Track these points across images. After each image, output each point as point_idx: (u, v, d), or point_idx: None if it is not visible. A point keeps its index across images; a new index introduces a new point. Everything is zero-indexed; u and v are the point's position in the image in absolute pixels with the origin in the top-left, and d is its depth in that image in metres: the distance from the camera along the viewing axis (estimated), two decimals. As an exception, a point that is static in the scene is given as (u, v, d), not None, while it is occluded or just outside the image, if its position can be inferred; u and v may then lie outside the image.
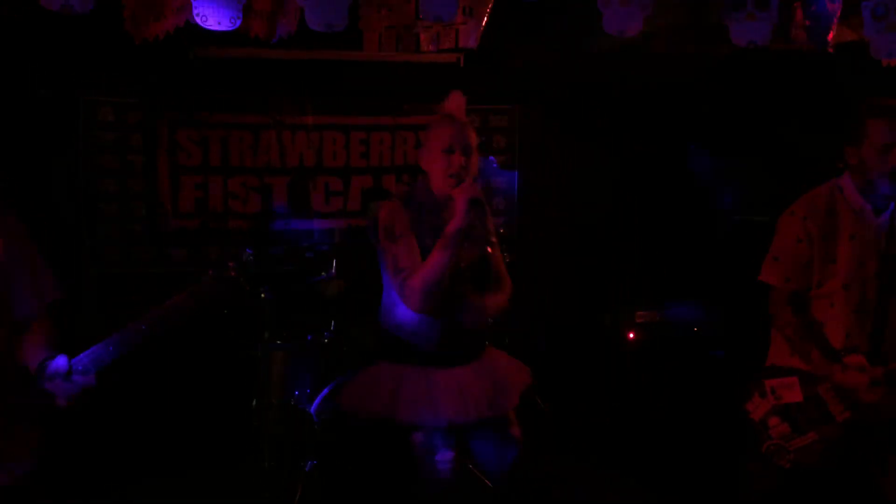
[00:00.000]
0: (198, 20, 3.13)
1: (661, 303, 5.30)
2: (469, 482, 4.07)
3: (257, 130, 5.63)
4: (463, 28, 4.03)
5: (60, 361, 2.12)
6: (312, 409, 4.26)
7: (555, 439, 5.01)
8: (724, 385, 4.43)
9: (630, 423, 5.01)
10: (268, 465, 4.34)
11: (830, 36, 3.44)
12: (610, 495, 4.38)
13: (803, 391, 2.86)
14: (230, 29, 3.18)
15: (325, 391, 4.30)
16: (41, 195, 5.04)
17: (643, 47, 4.56)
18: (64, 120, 5.25)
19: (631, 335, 5.18)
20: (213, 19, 3.12)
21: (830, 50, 3.46)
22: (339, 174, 5.79)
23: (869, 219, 2.91)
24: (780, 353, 3.01)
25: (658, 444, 4.76)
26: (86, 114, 5.33)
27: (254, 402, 4.44)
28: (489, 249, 3.06)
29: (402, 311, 3.01)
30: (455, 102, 3.24)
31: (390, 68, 5.56)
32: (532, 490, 4.21)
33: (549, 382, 5.53)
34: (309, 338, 4.54)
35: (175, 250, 5.51)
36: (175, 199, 5.53)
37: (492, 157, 5.48)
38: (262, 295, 4.45)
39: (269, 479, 4.31)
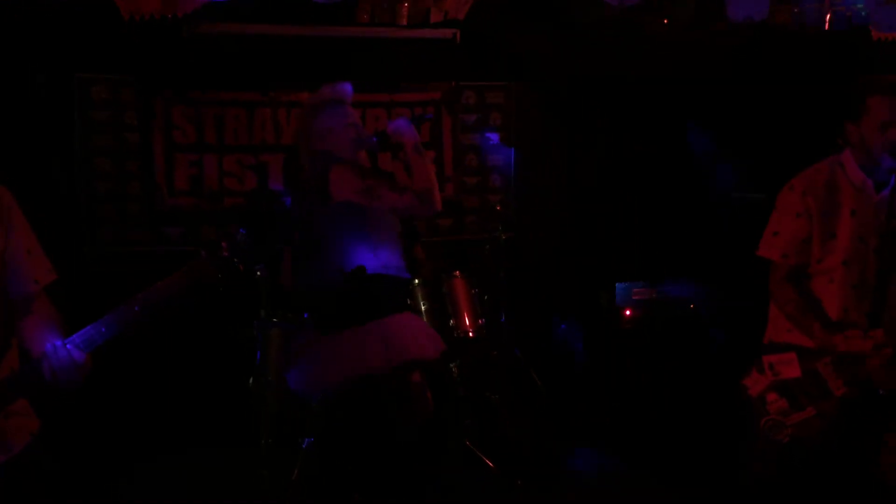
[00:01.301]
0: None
1: (658, 280, 5.30)
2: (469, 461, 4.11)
3: (252, 108, 5.59)
4: (452, 2, 4.01)
5: (52, 342, 2.10)
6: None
7: (550, 418, 5.03)
8: (721, 362, 4.44)
9: (626, 401, 5.02)
10: (265, 443, 4.35)
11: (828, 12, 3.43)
12: (605, 475, 4.40)
13: (801, 367, 2.86)
14: None
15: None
16: (36, 174, 5.01)
17: (640, 25, 4.54)
18: (58, 98, 5.21)
19: (628, 312, 5.18)
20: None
21: (826, 27, 3.44)
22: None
23: (870, 195, 2.90)
24: (777, 330, 3.01)
25: (655, 423, 4.77)
26: (80, 91, 5.29)
27: (251, 381, 4.44)
28: None
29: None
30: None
31: (386, 45, 5.53)
32: (526, 468, 4.24)
33: (546, 360, 5.57)
34: (305, 315, 4.53)
35: (171, 229, 5.49)
36: (170, 178, 5.50)
37: (489, 134, 5.46)
38: (258, 273, 4.44)
39: (267, 457, 4.32)
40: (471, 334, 4.57)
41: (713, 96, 5.53)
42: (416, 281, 4.52)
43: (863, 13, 3.49)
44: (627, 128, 5.85)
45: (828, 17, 3.47)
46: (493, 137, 5.64)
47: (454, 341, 4.49)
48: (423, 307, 4.49)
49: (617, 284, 5.25)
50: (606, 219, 5.90)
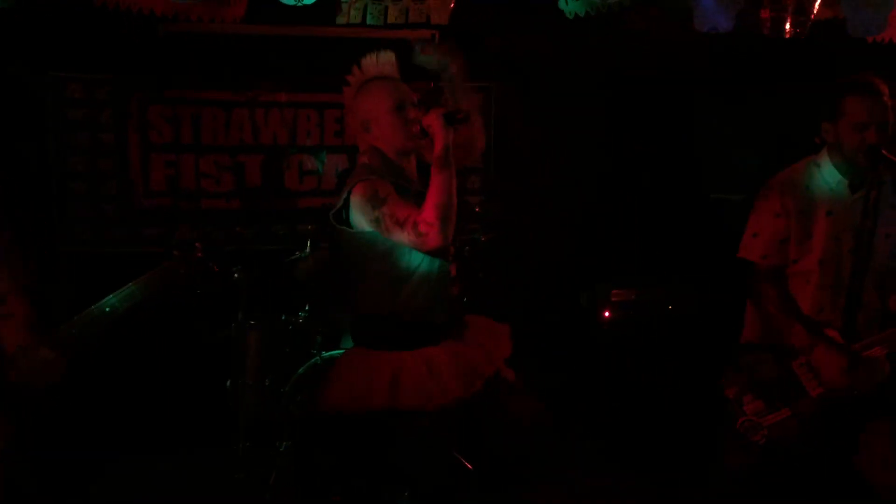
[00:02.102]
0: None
1: (637, 281, 5.32)
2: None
3: (230, 108, 5.55)
4: (434, 4, 3.99)
5: (20, 344, 2.07)
6: (285, 394, 4.24)
7: (531, 416, 5.01)
8: (700, 362, 4.46)
9: (606, 399, 5.02)
10: (242, 446, 4.32)
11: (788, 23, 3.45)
12: (586, 472, 4.40)
13: (777, 367, 2.88)
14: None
15: (296, 376, 4.29)
16: (10, 174, 4.95)
17: (619, 23, 4.54)
18: (32, 97, 5.16)
19: (607, 314, 5.18)
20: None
21: (792, 35, 3.46)
22: (313, 152, 5.73)
23: (845, 195, 2.92)
24: (754, 330, 3.03)
25: (635, 421, 4.78)
26: (54, 90, 5.24)
27: (228, 383, 4.41)
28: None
29: (409, 287, 2.89)
30: (388, 61, 3.24)
31: (365, 45, 5.47)
32: (507, 468, 4.22)
33: (526, 360, 5.56)
34: (283, 318, 4.51)
35: (147, 229, 5.44)
36: (146, 178, 5.45)
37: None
38: (236, 275, 4.41)
39: (244, 460, 4.29)
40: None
41: (695, 96, 5.56)
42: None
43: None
44: (610, 128, 5.86)
45: (789, 26, 3.49)
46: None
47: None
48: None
49: (596, 285, 5.26)
50: (588, 220, 5.90)
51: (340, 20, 3.74)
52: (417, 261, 2.87)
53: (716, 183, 5.51)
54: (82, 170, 5.34)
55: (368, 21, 3.84)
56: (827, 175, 2.94)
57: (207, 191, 5.54)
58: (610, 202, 5.93)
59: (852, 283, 2.81)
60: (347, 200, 2.88)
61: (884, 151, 2.75)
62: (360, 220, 2.88)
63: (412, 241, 2.74)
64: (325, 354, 4.35)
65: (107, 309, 2.12)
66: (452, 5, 3.90)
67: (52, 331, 2.14)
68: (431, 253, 2.81)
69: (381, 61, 3.17)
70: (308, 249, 4.62)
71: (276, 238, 5.54)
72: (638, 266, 5.48)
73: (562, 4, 3.85)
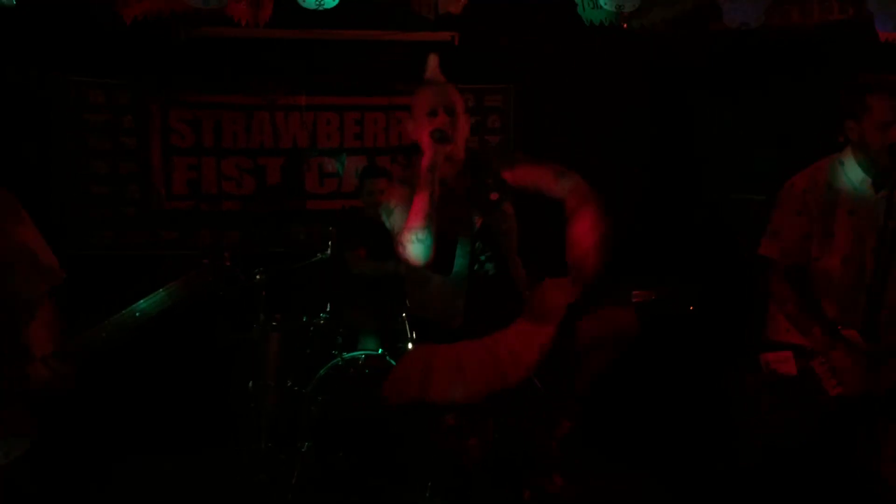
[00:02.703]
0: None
1: (657, 281, 5.29)
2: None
3: (250, 111, 5.60)
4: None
5: (42, 356, 2.10)
6: (307, 395, 4.26)
7: (549, 421, 5.00)
8: (720, 362, 4.43)
9: (623, 401, 5.00)
10: (265, 447, 4.34)
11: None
12: (600, 474, 4.38)
13: (797, 365, 2.86)
14: (216, 7, 3.14)
15: (318, 377, 4.30)
16: (33, 178, 5.01)
17: (638, 25, 4.53)
18: (55, 102, 5.22)
19: (627, 314, 5.16)
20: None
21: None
22: (333, 155, 5.76)
23: (869, 194, 2.89)
24: (776, 330, 3.00)
25: (650, 422, 4.76)
26: (76, 96, 5.30)
27: (250, 384, 4.44)
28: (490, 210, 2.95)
29: (428, 290, 2.94)
30: (431, 65, 3.13)
31: (384, 47, 5.52)
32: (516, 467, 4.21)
33: (545, 363, 5.54)
34: (304, 319, 4.53)
35: (168, 232, 5.49)
36: (168, 181, 5.50)
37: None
38: (257, 277, 4.43)
39: (266, 461, 4.31)
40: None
41: (713, 95, 5.53)
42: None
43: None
44: (628, 128, 5.84)
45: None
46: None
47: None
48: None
49: (616, 284, 5.23)
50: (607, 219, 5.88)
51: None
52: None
53: (737, 183, 5.47)
54: (104, 173, 5.40)
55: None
56: (850, 173, 2.91)
57: (228, 193, 5.59)
58: (629, 201, 5.92)
59: (874, 283, 2.78)
60: None
61: (908, 150, 2.73)
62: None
63: (400, 256, 2.79)
64: (347, 355, 4.36)
65: (137, 314, 2.15)
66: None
67: (78, 335, 2.16)
68: (426, 266, 2.81)
69: (428, 66, 3.14)
70: (329, 251, 4.65)
71: (296, 240, 5.57)
72: (658, 266, 5.45)
73: (580, 10, 3.84)
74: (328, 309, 4.62)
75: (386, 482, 4.06)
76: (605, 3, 3.54)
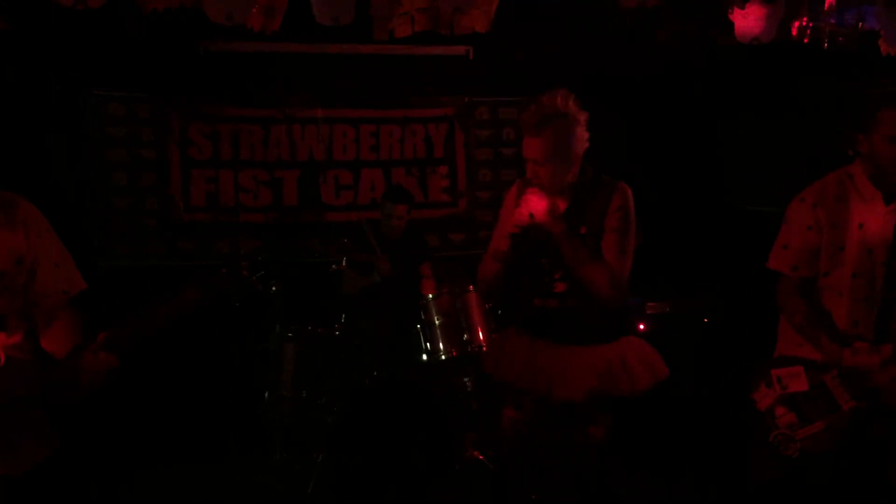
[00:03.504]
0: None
1: (672, 293, 5.29)
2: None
3: (267, 124, 5.66)
4: (476, 13, 4.03)
5: (89, 348, 2.15)
6: (322, 405, 4.28)
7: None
8: (732, 375, 4.43)
9: (638, 410, 4.99)
10: (280, 456, 4.38)
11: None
12: (616, 480, 4.38)
13: (809, 380, 2.86)
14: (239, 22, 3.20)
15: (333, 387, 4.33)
16: (53, 190, 5.08)
17: (659, 32, 4.55)
18: (75, 115, 5.29)
19: (641, 326, 5.17)
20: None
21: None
22: (350, 167, 5.82)
23: (879, 207, 2.89)
24: (787, 344, 3.01)
25: (666, 431, 4.75)
26: (96, 108, 5.38)
27: (266, 394, 4.48)
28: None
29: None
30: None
31: (399, 61, 5.57)
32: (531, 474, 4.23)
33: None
34: (320, 330, 4.57)
35: (186, 244, 5.55)
36: (186, 193, 5.57)
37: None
38: (273, 288, 4.48)
39: (283, 470, 4.34)
40: (484, 348, 4.57)
41: (725, 109, 5.54)
42: (430, 296, 4.55)
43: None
44: (643, 141, 5.85)
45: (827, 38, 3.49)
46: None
47: (467, 355, 4.50)
48: (437, 321, 4.51)
49: (631, 298, 5.24)
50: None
51: (381, 35, 3.79)
52: None
53: (752, 195, 5.47)
54: (123, 185, 5.47)
55: (413, 32, 3.89)
56: (860, 187, 2.92)
57: (245, 205, 5.64)
58: (642, 213, 5.92)
59: (885, 296, 2.79)
60: None
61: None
62: None
63: None
64: (362, 365, 4.40)
65: (157, 317, 2.19)
66: (493, 13, 3.93)
67: (122, 328, 2.20)
68: None
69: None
70: (343, 263, 4.69)
71: (312, 251, 5.62)
72: (670, 279, 5.45)
73: None
74: (343, 320, 4.66)
75: (401, 490, 4.08)
76: None
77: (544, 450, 3.14)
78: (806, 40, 3.80)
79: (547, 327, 3.06)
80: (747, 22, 3.50)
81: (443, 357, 4.43)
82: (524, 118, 3.06)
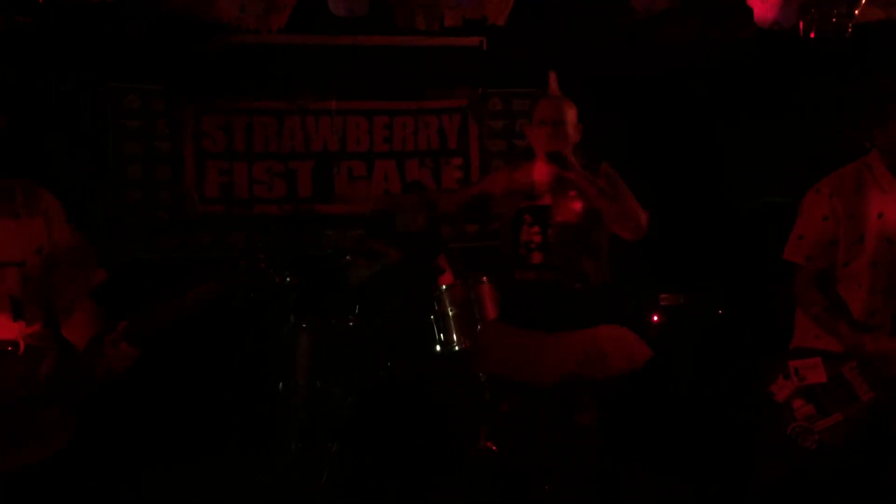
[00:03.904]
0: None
1: (685, 285, 5.27)
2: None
3: (281, 116, 5.66)
4: (492, 7, 4.02)
5: (110, 337, 2.16)
6: (336, 396, 4.29)
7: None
8: (748, 368, 4.41)
9: (652, 404, 4.98)
10: (294, 447, 4.39)
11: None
12: (629, 476, 4.38)
13: (827, 372, 2.84)
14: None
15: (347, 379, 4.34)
16: (67, 182, 5.10)
17: (664, 31, 4.53)
18: (89, 108, 5.31)
19: (655, 318, 5.15)
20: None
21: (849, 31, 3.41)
22: (363, 159, 5.82)
23: (897, 197, 2.87)
24: (804, 335, 2.99)
25: (679, 425, 4.74)
26: (111, 101, 5.40)
27: (280, 385, 4.49)
28: None
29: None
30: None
31: (413, 53, 5.56)
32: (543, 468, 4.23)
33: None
34: (334, 321, 4.58)
35: (200, 236, 5.57)
36: (201, 186, 5.58)
37: None
38: (288, 279, 4.48)
39: (296, 461, 4.36)
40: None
41: (738, 100, 5.50)
42: (444, 287, 4.55)
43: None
44: (656, 133, 5.83)
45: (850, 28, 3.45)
46: None
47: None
48: (450, 312, 4.51)
49: (644, 288, 5.23)
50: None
51: (406, 22, 3.80)
52: None
53: (763, 187, 5.45)
54: (138, 178, 5.49)
55: (427, 25, 3.90)
56: (879, 177, 2.90)
57: (260, 197, 5.65)
58: (656, 204, 5.89)
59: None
60: None
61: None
62: None
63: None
64: (375, 357, 4.41)
65: (174, 310, 2.20)
66: (510, 8, 3.93)
67: (143, 318, 2.21)
68: None
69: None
70: (358, 254, 4.70)
71: (326, 243, 5.63)
72: (683, 271, 5.42)
73: None
74: (357, 311, 4.67)
75: (416, 484, 4.09)
76: None
77: (538, 441, 3.20)
78: (812, 34, 3.76)
79: (526, 307, 3.20)
80: (766, 6, 3.46)
81: (456, 348, 4.43)
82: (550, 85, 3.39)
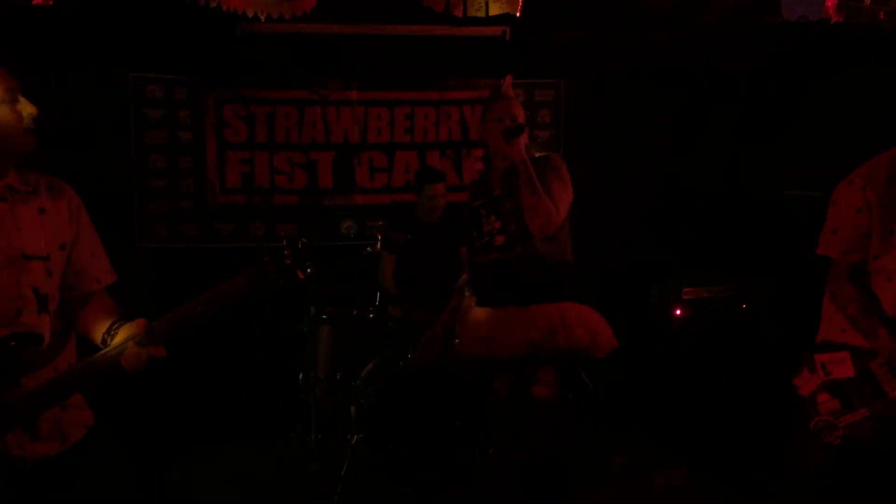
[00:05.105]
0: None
1: (711, 278, 5.22)
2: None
3: (302, 106, 5.66)
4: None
5: (140, 324, 2.15)
6: (356, 387, 4.29)
7: (598, 417, 4.99)
8: (774, 361, 4.37)
9: (676, 398, 4.95)
10: (314, 438, 4.40)
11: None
12: (653, 469, 4.36)
13: (855, 366, 2.79)
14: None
15: (367, 370, 4.34)
16: (92, 172, 5.12)
17: (691, 20, 4.48)
18: (113, 97, 5.33)
19: (678, 311, 5.11)
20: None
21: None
22: (384, 150, 5.80)
23: (931, 189, 2.81)
24: (832, 329, 2.93)
25: (705, 420, 4.70)
26: (134, 91, 5.42)
27: (300, 376, 4.49)
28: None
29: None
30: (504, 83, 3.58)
31: (435, 43, 5.54)
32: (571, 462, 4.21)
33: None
34: (354, 312, 4.58)
35: (222, 226, 5.58)
36: (222, 175, 5.59)
37: None
38: (308, 270, 4.48)
39: (317, 452, 4.36)
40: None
41: (769, 89, 5.44)
42: (464, 277, 4.52)
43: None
44: (683, 124, 5.78)
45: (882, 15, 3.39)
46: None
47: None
48: (470, 304, 4.48)
49: (666, 281, 5.19)
50: (658, 214, 5.83)
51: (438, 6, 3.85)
52: None
53: (792, 179, 5.38)
54: (161, 167, 5.51)
55: (452, 11, 3.92)
56: (913, 168, 2.84)
57: (281, 187, 5.66)
58: (681, 196, 5.85)
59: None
60: None
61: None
62: None
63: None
64: (395, 347, 4.39)
65: (199, 308, 2.19)
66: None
67: (166, 316, 2.20)
68: None
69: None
70: (378, 245, 4.69)
71: (347, 234, 5.62)
72: (710, 262, 5.38)
73: None
74: (377, 302, 4.66)
75: (435, 473, 4.08)
76: None
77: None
78: (842, 18, 3.71)
79: (491, 286, 3.48)
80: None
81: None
82: (503, 87, 3.53)
